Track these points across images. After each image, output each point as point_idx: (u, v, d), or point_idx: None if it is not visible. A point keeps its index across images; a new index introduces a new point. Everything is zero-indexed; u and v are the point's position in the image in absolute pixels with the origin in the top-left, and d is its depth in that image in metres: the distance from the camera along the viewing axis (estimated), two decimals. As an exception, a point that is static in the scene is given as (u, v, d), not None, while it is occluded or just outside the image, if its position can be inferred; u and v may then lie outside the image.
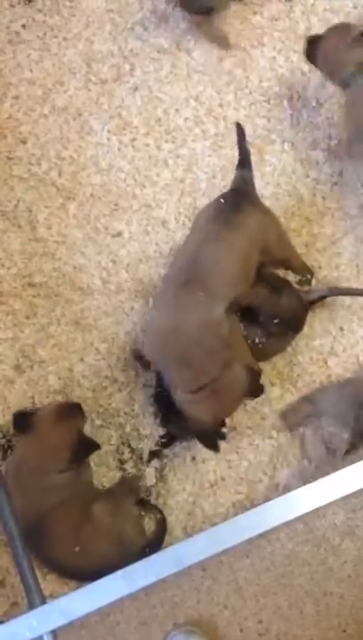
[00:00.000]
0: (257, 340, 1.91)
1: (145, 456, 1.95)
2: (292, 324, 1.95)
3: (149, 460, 1.95)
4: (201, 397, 1.73)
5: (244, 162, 1.90)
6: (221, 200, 1.87)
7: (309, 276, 2.05)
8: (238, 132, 1.91)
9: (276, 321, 1.91)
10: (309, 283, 2.05)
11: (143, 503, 1.89)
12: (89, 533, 1.78)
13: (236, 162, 1.93)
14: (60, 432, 1.77)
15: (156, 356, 1.81)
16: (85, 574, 1.73)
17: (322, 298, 2.00)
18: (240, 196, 1.87)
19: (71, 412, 1.83)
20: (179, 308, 1.76)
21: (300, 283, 2.03)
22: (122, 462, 1.94)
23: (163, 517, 1.89)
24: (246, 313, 1.90)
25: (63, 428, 1.78)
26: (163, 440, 1.95)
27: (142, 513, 1.88)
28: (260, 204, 1.92)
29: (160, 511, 1.89)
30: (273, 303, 1.91)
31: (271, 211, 1.97)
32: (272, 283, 1.93)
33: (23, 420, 1.81)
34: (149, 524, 1.89)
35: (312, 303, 1.99)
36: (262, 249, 1.86)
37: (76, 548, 1.77)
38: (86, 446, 1.80)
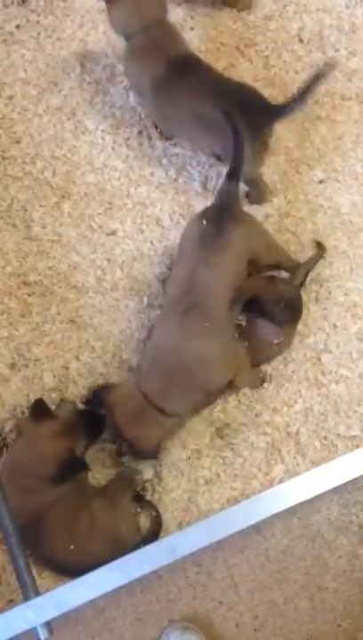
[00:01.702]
0: (270, 336, 1.95)
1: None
2: (296, 306, 1.97)
3: None
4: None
5: (234, 174, 1.85)
6: (203, 222, 1.84)
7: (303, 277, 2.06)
8: (236, 144, 1.82)
9: (281, 305, 1.93)
10: (303, 282, 2.06)
11: (139, 499, 1.89)
12: (84, 531, 1.78)
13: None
14: (52, 446, 1.76)
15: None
16: (80, 571, 1.73)
17: (306, 273, 2.02)
18: (222, 215, 1.84)
19: (71, 430, 1.81)
20: (184, 336, 1.79)
21: (292, 277, 2.04)
22: (120, 455, 1.94)
23: (158, 514, 1.89)
24: (252, 308, 1.93)
25: (57, 443, 1.77)
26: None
27: (138, 510, 1.88)
28: (242, 218, 1.89)
29: (155, 508, 1.90)
30: (273, 288, 1.94)
31: (255, 220, 1.97)
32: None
33: (42, 409, 1.83)
34: (145, 522, 1.90)
35: (302, 285, 2.02)
36: (250, 260, 1.87)
37: (72, 547, 1.77)
38: (73, 467, 1.78)
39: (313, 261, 2.06)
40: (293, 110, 1.87)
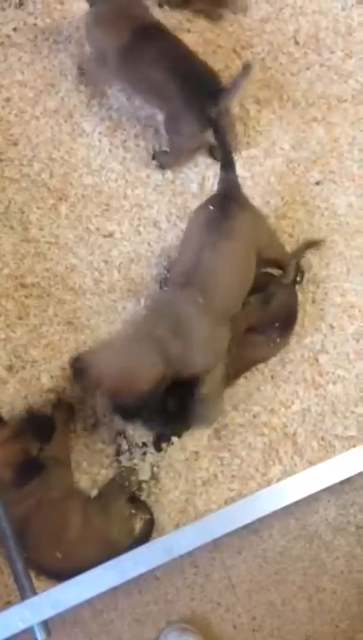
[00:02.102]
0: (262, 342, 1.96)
1: (140, 442, 1.95)
2: (291, 320, 1.98)
3: (144, 450, 1.94)
4: None
5: (227, 162, 1.89)
6: (210, 207, 1.86)
7: (299, 277, 2.07)
8: (217, 130, 1.88)
9: (276, 325, 1.95)
10: (300, 282, 2.07)
11: (134, 501, 1.89)
12: (74, 536, 1.76)
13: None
14: (2, 452, 1.75)
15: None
16: (70, 577, 1.71)
17: (297, 271, 2.03)
18: (228, 201, 1.86)
19: (20, 432, 1.80)
20: (174, 303, 1.77)
21: (285, 274, 2.04)
22: (118, 454, 1.94)
23: (151, 518, 1.89)
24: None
25: (8, 447, 1.76)
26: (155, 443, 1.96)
27: (133, 511, 1.88)
28: (248, 206, 1.92)
29: (150, 511, 1.89)
30: (267, 313, 1.94)
31: (259, 210, 1.98)
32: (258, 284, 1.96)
33: None
34: (139, 524, 1.89)
35: (295, 283, 2.02)
36: (257, 251, 1.87)
37: (58, 554, 1.74)
38: (29, 469, 1.76)
39: (301, 250, 2.06)
40: (235, 94, 1.94)
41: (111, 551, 1.69)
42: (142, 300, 2.09)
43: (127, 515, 1.86)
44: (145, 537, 1.85)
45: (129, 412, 1.79)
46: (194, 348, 1.75)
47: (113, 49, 2.01)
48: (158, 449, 1.94)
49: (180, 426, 1.92)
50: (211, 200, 1.89)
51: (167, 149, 2.16)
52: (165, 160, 2.17)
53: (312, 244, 2.08)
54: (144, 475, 1.92)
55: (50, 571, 1.81)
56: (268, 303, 1.96)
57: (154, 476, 1.93)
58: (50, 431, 1.85)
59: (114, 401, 1.72)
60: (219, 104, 1.92)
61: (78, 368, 1.73)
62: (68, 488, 1.86)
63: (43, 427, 1.85)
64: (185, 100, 1.93)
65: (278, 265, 2.03)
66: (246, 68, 1.91)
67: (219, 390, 1.91)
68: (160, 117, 2.10)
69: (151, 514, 1.89)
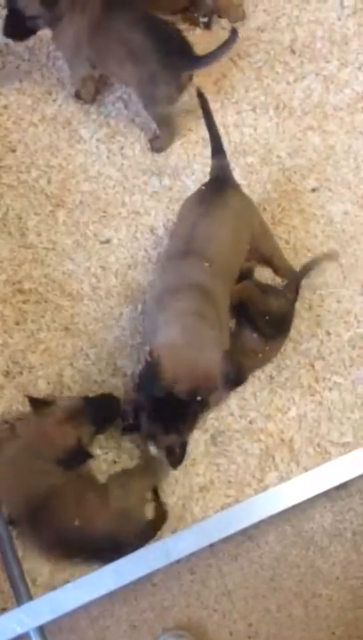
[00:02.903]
0: (254, 346, 1.95)
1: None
2: (281, 325, 1.98)
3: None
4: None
5: (217, 149, 1.93)
6: (203, 187, 1.91)
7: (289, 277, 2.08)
8: (206, 113, 1.93)
9: (266, 319, 1.94)
10: (297, 292, 2.07)
11: (156, 495, 1.90)
12: (93, 504, 1.77)
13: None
14: (63, 431, 1.78)
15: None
16: (86, 548, 1.74)
17: (298, 282, 2.04)
18: (220, 182, 1.91)
19: (76, 415, 1.82)
20: (188, 273, 1.76)
21: (287, 287, 2.06)
22: (115, 462, 1.95)
23: (165, 511, 1.89)
24: (241, 315, 1.94)
25: (62, 429, 1.79)
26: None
27: (150, 498, 1.88)
28: (240, 189, 1.95)
29: (165, 507, 1.90)
30: (263, 301, 1.95)
31: (252, 201, 2.00)
32: (259, 286, 1.97)
33: (38, 403, 1.84)
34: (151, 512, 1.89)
35: (297, 293, 2.03)
36: (250, 235, 1.90)
37: (76, 522, 1.73)
38: (79, 456, 1.80)
39: (306, 270, 2.08)
40: (210, 62, 2.02)
41: (126, 527, 1.73)
42: (139, 306, 2.09)
43: (143, 496, 1.86)
44: (156, 527, 1.85)
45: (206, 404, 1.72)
46: (222, 315, 1.76)
47: (85, 27, 2.03)
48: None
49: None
50: (205, 183, 1.93)
51: (158, 134, 2.19)
52: (159, 143, 2.20)
53: (319, 260, 2.09)
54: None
55: (69, 539, 1.77)
56: (266, 294, 1.97)
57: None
58: (113, 416, 1.87)
59: (192, 397, 1.64)
60: (193, 69, 2.01)
61: (148, 377, 1.66)
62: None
63: (105, 410, 1.87)
64: (162, 60, 1.98)
65: (272, 264, 2.05)
66: (230, 40, 1.97)
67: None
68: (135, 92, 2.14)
69: (166, 510, 1.89)
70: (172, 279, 1.80)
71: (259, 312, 1.93)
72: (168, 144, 2.21)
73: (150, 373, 1.64)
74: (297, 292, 2.04)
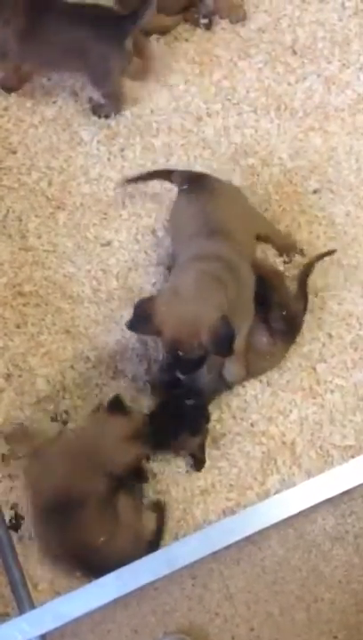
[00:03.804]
0: (262, 348, 1.94)
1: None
2: (290, 328, 1.98)
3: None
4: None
5: (166, 173, 2.06)
6: (184, 188, 1.95)
7: (293, 256, 2.09)
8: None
9: (283, 313, 1.94)
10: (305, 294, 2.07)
11: (160, 506, 1.91)
12: (112, 525, 1.75)
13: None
14: (131, 447, 1.79)
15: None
16: (97, 567, 1.71)
17: (305, 294, 2.04)
18: (199, 178, 1.97)
19: (141, 433, 1.83)
20: (207, 248, 1.76)
21: (290, 261, 2.08)
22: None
23: (164, 520, 1.88)
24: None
25: (131, 447, 1.79)
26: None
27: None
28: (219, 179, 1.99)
29: (166, 517, 1.90)
30: (287, 294, 1.96)
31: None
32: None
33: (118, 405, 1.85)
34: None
35: (305, 303, 2.03)
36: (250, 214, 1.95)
37: (101, 539, 1.70)
38: (135, 475, 1.83)
39: (308, 269, 2.07)
40: (142, 19, 2.05)
41: (138, 547, 1.72)
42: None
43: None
44: (157, 541, 1.84)
45: (188, 365, 1.71)
46: (245, 293, 1.76)
47: (12, 38, 2.05)
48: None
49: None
50: (182, 189, 1.97)
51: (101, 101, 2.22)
52: (104, 110, 2.23)
53: (319, 258, 2.09)
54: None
55: (77, 554, 1.74)
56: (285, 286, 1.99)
57: (153, 488, 1.92)
58: (167, 440, 1.88)
59: (174, 352, 1.64)
60: (131, 31, 2.06)
61: (140, 315, 1.65)
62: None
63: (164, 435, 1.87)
64: (102, 38, 2.04)
65: (272, 242, 2.07)
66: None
67: (245, 346, 1.87)
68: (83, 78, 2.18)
69: (164, 515, 1.89)
70: (197, 250, 1.78)
71: (279, 303, 1.93)
72: (117, 111, 2.23)
73: (143, 308, 1.64)
74: (306, 299, 2.03)
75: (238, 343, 1.76)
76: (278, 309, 1.94)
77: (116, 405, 1.86)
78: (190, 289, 1.65)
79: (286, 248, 2.09)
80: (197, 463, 1.93)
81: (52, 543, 1.74)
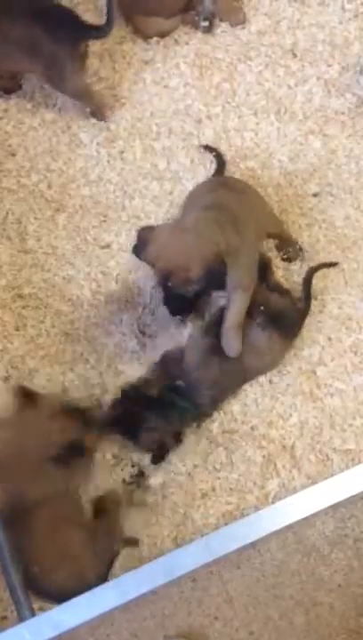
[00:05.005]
0: (259, 345, 1.94)
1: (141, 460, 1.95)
2: (277, 320, 1.95)
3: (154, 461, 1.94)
4: None
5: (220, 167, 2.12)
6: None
7: (291, 249, 2.09)
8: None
9: (262, 308, 1.93)
10: (295, 257, 2.09)
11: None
12: (58, 551, 1.71)
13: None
14: (61, 424, 1.77)
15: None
16: (37, 588, 1.68)
17: (308, 298, 2.04)
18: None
19: (70, 411, 1.82)
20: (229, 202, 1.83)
21: (288, 258, 2.08)
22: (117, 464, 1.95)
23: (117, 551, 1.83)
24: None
25: (60, 421, 1.77)
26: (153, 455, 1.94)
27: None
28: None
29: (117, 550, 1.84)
30: (262, 289, 1.95)
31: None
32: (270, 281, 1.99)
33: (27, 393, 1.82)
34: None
35: (307, 307, 2.02)
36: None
37: (35, 568, 1.65)
38: (74, 450, 1.78)
39: (313, 271, 2.07)
40: (104, 34, 2.07)
41: (79, 584, 1.62)
42: (140, 310, 2.08)
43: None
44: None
45: (176, 301, 1.76)
46: (246, 248, 1.79)
47: None
48: (156, 461, 1.92)
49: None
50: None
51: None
52: (98, 114, 2.22)
53: (321, 267, 2.08)
54: (156, 479, 1.91)
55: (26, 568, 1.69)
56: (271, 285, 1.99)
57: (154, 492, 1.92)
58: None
59: (165, 283, 1.71)
60: (88, 39, 2.07)
61: (139, 242, 1.73)
62: (78, 501, 1.83)
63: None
64: (57, 40, 2.02)
65: (275, 235, 2.08)
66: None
67: (242, 320, 1.90)
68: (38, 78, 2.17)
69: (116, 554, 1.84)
70: (203, 203, 1.87)
71: (256, 300, 1.92)
72: (100, 114, 2.22)
73: (143, 235, 1.72)
74: (309, 301, 2.03)
75: (235, 315, 1.83)
76: (257, 305, 1.93)
77: (25, 394, 1.83)
78: (190, 226, 1.75)
79: (289, 241, 2.10)
80: (157, 457, 1.89)
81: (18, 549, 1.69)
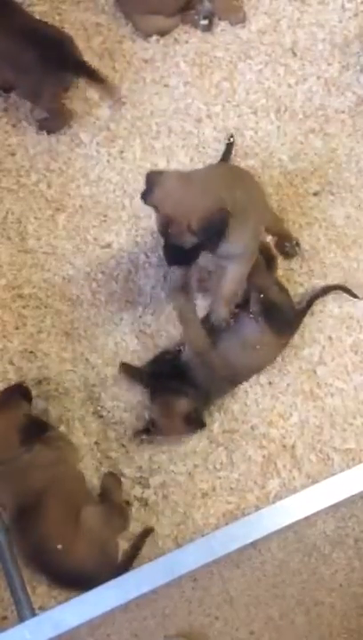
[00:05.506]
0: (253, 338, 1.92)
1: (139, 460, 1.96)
2: (272, 313, 1.94)
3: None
4: None
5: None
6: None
7: (288, 244, 2.09)
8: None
9: (261, 295, 1.91)
10: (293, 253, 2.08)
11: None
12: (73, 533, 1.74)
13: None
14: (3, 421, 1.80)
15: None
16: (58, 574, 1.72)
17: (309, 304, 2.03)
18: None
19: (12, 400, 1.86)
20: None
21: (287, 255, 2.08)
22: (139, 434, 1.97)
23: (143, 541, 1.87)
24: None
25: (6, 416, 1.81)
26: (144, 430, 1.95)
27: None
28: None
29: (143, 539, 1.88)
30: (266, 277, 1.94)
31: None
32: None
33: None
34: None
35: (306, 308, 2.02)
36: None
37: (59, 546, 1.70)
38: (36, 427, 1.83)
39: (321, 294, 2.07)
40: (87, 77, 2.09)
41: (102, 562, 1.71)
42: (140, 309, 2.08)
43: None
44: (129, 562, 1.81)
45: (175, 252, 1.74)
46: (253, 215, 1.77)
47: None
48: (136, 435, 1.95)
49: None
50: None
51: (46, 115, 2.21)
52: (51, 125, 2.21)
53: (329, 290, 2.08)
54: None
55: (42, 558, 1.73)
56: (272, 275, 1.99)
57: (155, 492, 1.92)
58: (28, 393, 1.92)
59: (165, 230, 1.69)
60: (76, 75, 2.09)
61: (147, 185, 1.70)
62: (75, 470, 1.87)
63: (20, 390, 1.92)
64: (44, 67, 2.02)
65: (274, 231, 2.07)
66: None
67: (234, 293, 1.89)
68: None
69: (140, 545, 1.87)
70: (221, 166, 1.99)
71: (258, 285, 1.91)
72: (61, 126, 2.21)
73: (151, 179, 1.69)
74: (310, 305, 2.03)
75: (231, 283, 1.82)
76: (257, 291, 1.91)
77: None
78: (198, 178, 1.73)
79: (285, 238, 2.09)
80: (156, 429, 1.90)
81: (19, 543, 1.73)
